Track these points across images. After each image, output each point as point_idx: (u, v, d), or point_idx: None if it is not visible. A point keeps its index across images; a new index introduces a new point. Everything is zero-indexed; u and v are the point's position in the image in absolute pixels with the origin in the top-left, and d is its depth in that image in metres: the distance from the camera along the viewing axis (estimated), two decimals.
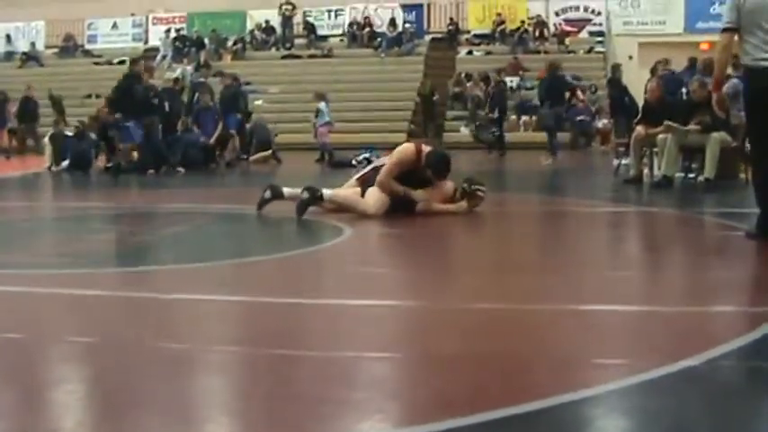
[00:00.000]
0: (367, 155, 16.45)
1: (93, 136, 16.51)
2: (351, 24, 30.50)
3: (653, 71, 16.74)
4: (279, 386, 3.17)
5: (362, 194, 8.27)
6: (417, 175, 8.18)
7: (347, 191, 8.49)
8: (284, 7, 30.38)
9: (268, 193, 8.55)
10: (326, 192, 8.29)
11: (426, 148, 8.36)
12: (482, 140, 22.37)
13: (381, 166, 8.49)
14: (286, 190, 8.57)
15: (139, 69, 15.89)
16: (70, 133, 17.06)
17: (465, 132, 24.14)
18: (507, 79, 24.70)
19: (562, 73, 18.98)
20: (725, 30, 6.46)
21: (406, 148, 8.46)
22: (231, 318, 4.51)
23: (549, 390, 3.07)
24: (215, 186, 13.58)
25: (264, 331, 4.08)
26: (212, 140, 17.01)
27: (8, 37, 32.00)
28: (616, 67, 19.28)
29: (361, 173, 8.82)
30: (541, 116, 19.25)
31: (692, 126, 10.89)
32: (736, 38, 6.47)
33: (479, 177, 8.75)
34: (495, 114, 21.19)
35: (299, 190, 8.44)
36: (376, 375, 3.38)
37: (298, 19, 30.81)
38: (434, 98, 25.83)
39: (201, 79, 21.96)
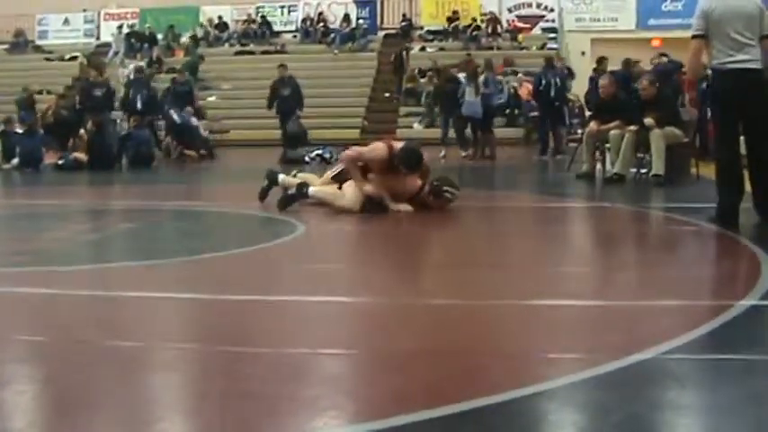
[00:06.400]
0: (320, 151, 16.42)
1: (41, 131, 16.29)
2: (304, 20, 30.38)
3: (597, 69, 17.02)
4: (232, 384, 3.15)
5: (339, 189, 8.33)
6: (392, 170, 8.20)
7: (327, 187, 8.48)
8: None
9: (266, 182, 8.78)
10: (311, 189, 8.35)
11: (398, 145, 8.33)
12: None
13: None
14: (281, 177, 8.82)
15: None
16: (20, 130, 16.79)
17: (418, 128, 24.11)
18: (460, 75, 24.78)
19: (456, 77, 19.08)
20: (694, 36, 7.04)
21: (379, 147, 8.31)
22: (184, 315, 4.48)
23: (504, 385, 3.09)
24: (167, 183, 13.44)
25: (218, 329, 4.05)
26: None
27: None
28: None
29: (334, 171, 8.75)
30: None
31: (631, 128, 10.97)
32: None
33: (452, 179, 8.72)
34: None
35: (294, 179, 8.68)
36: (330, 372, 3.37)
37: (252, 14, 30.72)
38: (403, 59, 26.92)
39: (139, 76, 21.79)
